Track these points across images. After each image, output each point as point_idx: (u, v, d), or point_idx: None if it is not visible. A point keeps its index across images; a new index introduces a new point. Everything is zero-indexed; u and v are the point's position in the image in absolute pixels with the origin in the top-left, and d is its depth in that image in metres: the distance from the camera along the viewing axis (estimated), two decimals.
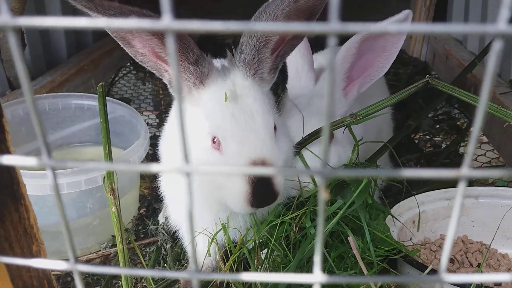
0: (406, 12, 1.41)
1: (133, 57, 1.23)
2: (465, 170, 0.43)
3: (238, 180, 1.15)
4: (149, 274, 0.92)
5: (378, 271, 1.21)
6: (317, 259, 0.48)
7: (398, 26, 0.42)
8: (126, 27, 0.37)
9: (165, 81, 1.31)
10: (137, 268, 1.76)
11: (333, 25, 0.40)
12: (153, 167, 0.47)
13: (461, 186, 0.44)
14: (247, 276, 0.54)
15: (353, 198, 1.20)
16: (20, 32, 2.44)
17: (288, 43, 1.30)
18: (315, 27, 0.40)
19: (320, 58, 1.88)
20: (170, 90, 1.33)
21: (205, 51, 1.29)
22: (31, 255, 0.69)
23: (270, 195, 1.16)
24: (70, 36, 3.20)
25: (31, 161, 0.39)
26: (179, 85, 0.42)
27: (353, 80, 1.58)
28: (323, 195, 0.44)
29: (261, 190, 1.14)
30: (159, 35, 1.17)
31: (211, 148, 1.23)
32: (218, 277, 0.57)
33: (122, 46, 1.21)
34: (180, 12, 4.36)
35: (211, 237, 1.36)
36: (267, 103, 1.26)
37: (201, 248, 1.46)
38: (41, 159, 0.38)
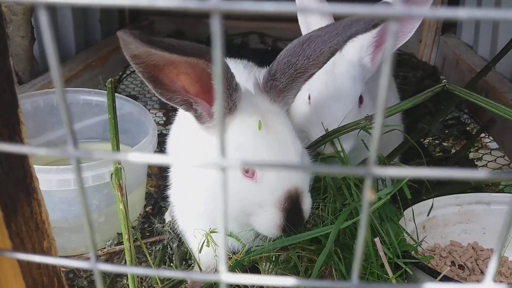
0: None
1: (159, 96, 1.15)
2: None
3: (272, 208, 1.16)
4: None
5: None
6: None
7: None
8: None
9: (193, 114, 1.22)
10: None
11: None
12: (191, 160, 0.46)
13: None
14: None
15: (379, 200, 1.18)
16: (30, 26, 2.43)
17: (320, 66, 1.24)
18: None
19: None
20: (198, 123, 1.23)
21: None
22: (42, 251, 0.67)
23: (300, 221, 1.18)
24: (79, 32, 3.19)
25: (56, 152, 0.38)
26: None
27: (380, 46, 1.59)
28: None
29: (293, 217, 1.16)
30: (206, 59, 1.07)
31: (242, 177, 1.19)
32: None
33: (149, 86, 1.12)
34: None
35: (218, 238, 1.34)
36: (292, 126, 1.24)
37: (206, 249, 1.45)
38: (66, 150, 0.37)
